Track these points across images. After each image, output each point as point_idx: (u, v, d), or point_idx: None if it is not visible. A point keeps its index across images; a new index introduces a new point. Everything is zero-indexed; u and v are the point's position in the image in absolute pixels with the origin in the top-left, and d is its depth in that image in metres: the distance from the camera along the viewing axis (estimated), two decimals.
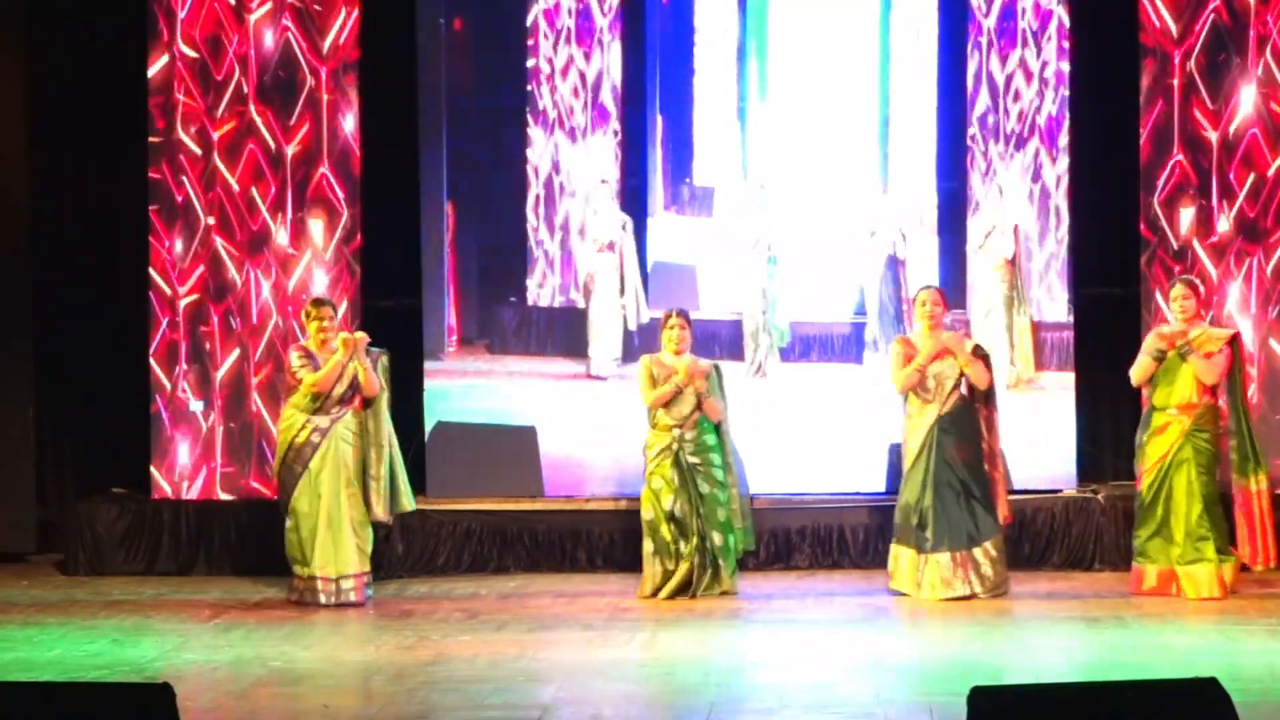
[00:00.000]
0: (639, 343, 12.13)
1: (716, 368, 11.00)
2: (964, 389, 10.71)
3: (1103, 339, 12.12)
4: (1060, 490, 11.81)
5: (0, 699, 5.23)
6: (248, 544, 11.82)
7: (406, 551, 11.79)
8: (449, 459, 12.07)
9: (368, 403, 10.82)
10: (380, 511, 10.83)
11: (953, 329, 10.98)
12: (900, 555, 10.70)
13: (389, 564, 11.66)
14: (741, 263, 12.41)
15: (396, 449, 10.93)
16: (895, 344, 10.92)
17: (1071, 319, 12.09)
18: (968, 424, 10.70)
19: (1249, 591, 10.62)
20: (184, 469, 11.94)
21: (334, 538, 10.66)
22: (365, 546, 10.75)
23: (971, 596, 10.52)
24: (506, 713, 7.89)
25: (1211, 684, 5.08)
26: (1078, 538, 11.63)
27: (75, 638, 9.70)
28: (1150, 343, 10.74)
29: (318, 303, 10.98)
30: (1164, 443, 10.55)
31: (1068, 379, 12.05)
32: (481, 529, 11.85)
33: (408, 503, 10.97)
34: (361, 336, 10.83)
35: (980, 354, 10.78)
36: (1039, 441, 12.03)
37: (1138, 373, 10.72)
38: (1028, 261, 12.21)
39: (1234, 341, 10.64)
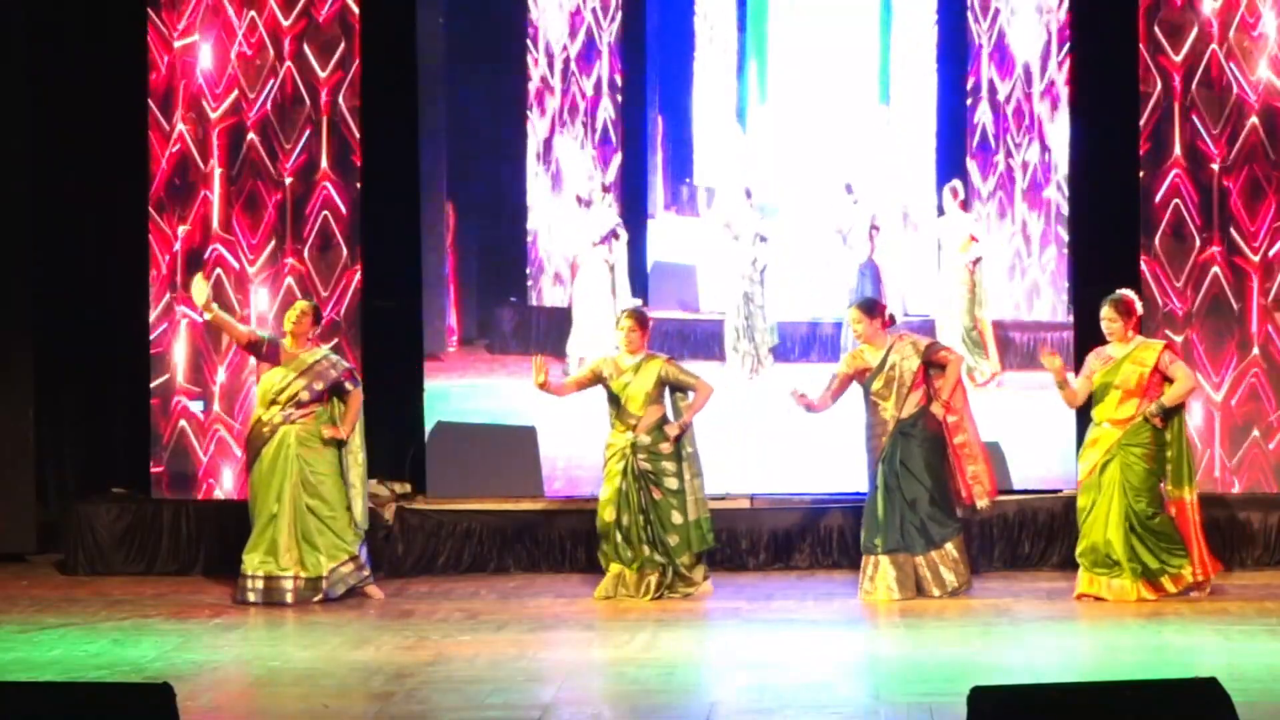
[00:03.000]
0: None
1: (670, 360, 10.92)
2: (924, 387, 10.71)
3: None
4: (1060, 490, 11.80)
5: (0, 699, 5.23)
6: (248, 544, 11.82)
7: (406, 551, 11.80)
8: (449, 459, 12.07)
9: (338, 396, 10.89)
10: (360, 518, 10.86)
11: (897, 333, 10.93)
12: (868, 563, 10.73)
13: (389, 564, 11.68)
14: (726, 265, 12.43)
15: (363, 458, 10.92)
16: (847, 357, 10.91)
17: (1071, 319, 12.09)
18: (929, 425, 10.70)
19: (1249, 592, 10.62)
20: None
21: (279, 539, 10.68)
22: (329, 548, 10.76)
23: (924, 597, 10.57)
24: (506, 713, 7.88)
25: (1211, 684, 5.08)
26: (1078, 538, 11.61)
27: (75, 638, 9.70)
28: (1087, 364, 10.66)
29: (302, 300, 11.09)
30: (1093, 455, 10.48)
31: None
32: (481, 529, 11.86)
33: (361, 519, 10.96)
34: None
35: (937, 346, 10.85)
36: (1039, 441, 12.03)
37: (1076, 397, 10.66)
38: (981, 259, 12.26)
39: (1168, 349, 10.59)
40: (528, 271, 12.41)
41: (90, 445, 12.64)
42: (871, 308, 10.84)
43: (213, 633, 9.92)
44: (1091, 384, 10.56)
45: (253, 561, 10.73)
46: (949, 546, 10.67)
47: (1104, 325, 10.50)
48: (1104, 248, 12.14)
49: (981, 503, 10.78)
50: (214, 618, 10.34)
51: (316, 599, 10.69)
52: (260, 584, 10.71)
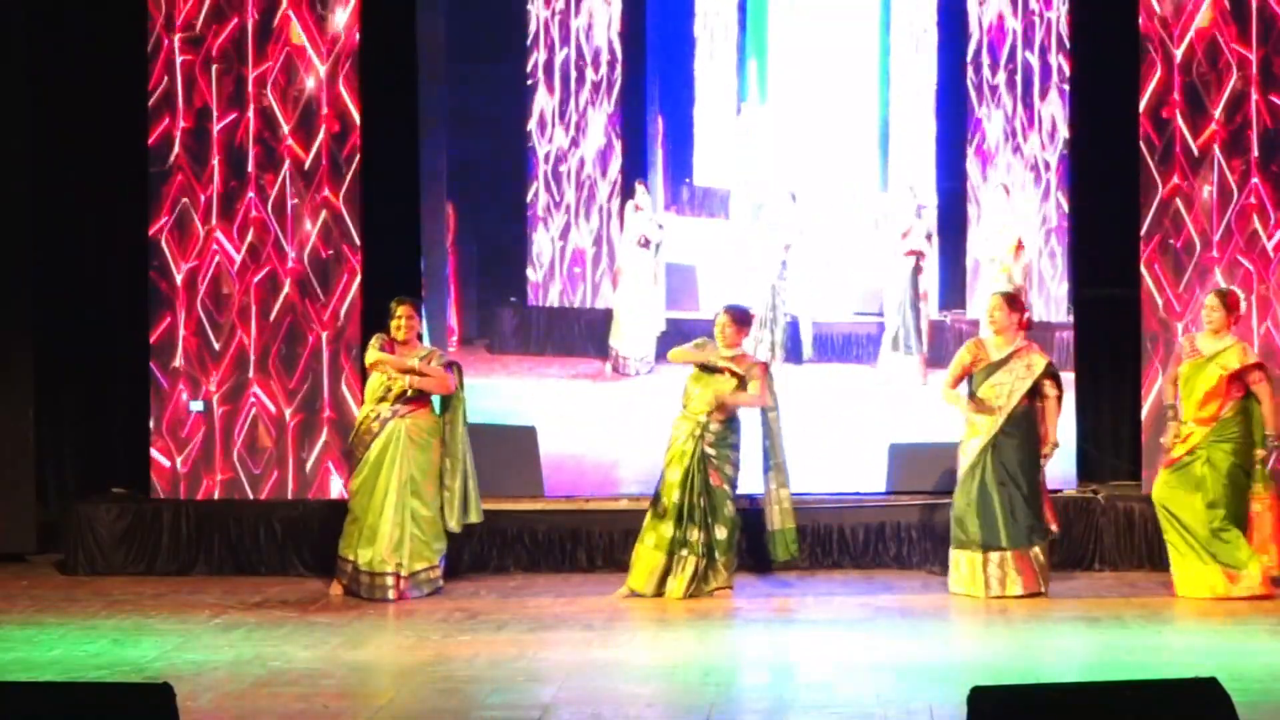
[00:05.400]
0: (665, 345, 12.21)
1: (766, 366, 10.94)
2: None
3: (1103, 339, 12.13)
4: (1060, 490, 11.80)
5: (0, 699, 5.23)
6: (248, 544, 11.83)
7: None
8: None
9: (445, 406, 10.92)
10: (452, 523, 10.91)
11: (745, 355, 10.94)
12: (960, 558, 10.71)
13: None
14: (757, 261, 12.44)
15: (470, 461, 10.98)
16: (970, 345, 10.81)
17: (1071, 319, 12.10)
18: (1031, 424, 10.68)
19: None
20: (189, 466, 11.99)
21: (380, 532, 10.72)
22: (417, 548, 10.80)
23: (1033, 594, 10.56)
24: (506, 713, 7.88)
25: (1211, 684, 5.08)
26: (1078, 538, 11.63)
27: (75, 638, 9.69)
28: (1176, 348, 10.70)
29: (399, 300, 11.03)
30: (1178, 451, 10.55)
31: (1068, 379, 12.01)
32: (481, 529, 11.84)
33: (475, 514, 11.02)
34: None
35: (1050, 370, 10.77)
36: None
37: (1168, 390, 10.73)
38: (1029, 261, 12.24)
39: (1258, 368, 10.60)
40: (535, 261, 12.42)
41: (90, 445, 12.64)
42: (1014, 300, 10.79)
43: (213, 633, 9.92)
44: (1178, 376, 10.63)
45: (365, 556, 10.77)
46: (1035, 551, 10.63)
47: (1205, 315, 10.59)
48: (1104, 247, 12.15)
49: (1054, 529, 10.80)
50: (214, 618, 10.34)
51: (378, 596, 10.75)
52: (366, 579, 10.77)
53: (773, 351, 12.38)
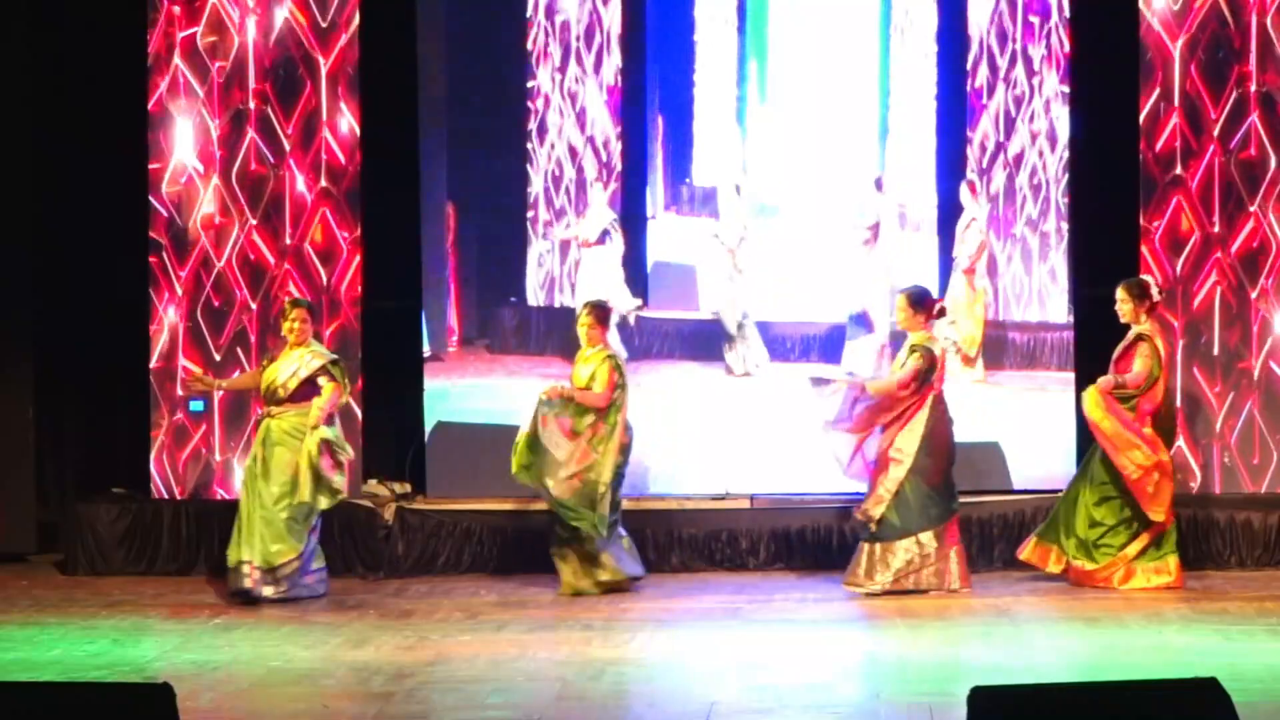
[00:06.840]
0: (639, 340, 12.18)
1: (613, 358, 10.99)
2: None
3: (1103, 339, 12.11)
4: (1060, 490, 11.79)
5: (0, 699, 5.23)
6: None
7: (406, 551, 11.80)
8: (449, 459, 12.07)
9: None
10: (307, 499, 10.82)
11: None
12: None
13: (389, 564, 11.69)
14: (715, 262, 12.45)
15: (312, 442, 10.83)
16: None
17: (1071, 319, 12.10)
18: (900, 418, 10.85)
19: (1249, 592, 10.63)
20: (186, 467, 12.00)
21: (261, 529, 10.72)
22: (269, 543, 10.76)
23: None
24: (506, 713, 7.89)
25: (1211, 684, 5.08)
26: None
27: (75, 638, 9.70)
28: None
29: (294, 303, 11.11)
30: None
31: (1068, 379, 12.04)
32: (481, 529, 11.86)
33: (324, 499, 10.91)
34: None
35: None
36: (1039, 441, 12.03)
37: None
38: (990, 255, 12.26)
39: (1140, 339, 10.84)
40: (535, 261, 12.42)
41: (90, 445, 12.63)
42: (918, 300, 10.84)
43: (213, 633, 9.93)
44: None
45: (235, 553, 10.82)
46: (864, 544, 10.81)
47: (1117, 309, 10.91)
48: (1104, 248, 12.15)
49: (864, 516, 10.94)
50: (214, 618, 10.34)
51: (272, 592, 10.70)
52: (233, 573, 10.81)
53: (739, 349, 12.36)
